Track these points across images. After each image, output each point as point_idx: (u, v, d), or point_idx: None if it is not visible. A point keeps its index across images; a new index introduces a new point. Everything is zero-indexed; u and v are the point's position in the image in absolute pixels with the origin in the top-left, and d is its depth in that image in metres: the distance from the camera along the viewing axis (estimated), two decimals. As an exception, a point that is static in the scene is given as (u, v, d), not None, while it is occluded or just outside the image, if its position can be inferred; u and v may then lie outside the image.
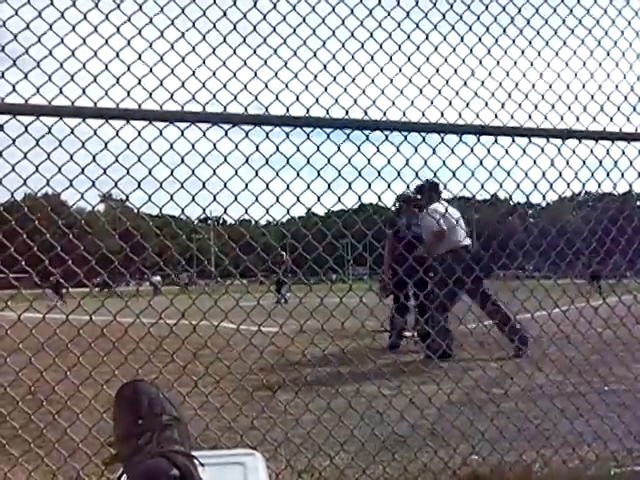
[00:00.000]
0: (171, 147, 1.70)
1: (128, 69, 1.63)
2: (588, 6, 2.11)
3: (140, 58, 1.63)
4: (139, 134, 1.67)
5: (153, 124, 1.67)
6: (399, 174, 1.89)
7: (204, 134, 1.72)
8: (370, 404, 1.85)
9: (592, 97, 2.09)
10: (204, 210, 1.71)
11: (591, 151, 2.07)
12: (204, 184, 1.70)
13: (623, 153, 2.11)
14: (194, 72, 1.68)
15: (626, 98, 2.14)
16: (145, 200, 1.68)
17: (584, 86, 2.08)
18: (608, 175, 2.12)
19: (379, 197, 1.94)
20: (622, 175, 2.15)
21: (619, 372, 2.17)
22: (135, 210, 1.66)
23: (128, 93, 1.62)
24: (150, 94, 1.63)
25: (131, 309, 1.62)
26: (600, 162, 2.09)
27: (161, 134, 1.68)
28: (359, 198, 1.86)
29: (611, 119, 2.09)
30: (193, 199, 1.70)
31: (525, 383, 2.18)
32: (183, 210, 1.71)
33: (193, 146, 1.71)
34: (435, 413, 1.93)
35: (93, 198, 1.69)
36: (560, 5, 2.07)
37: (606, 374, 2.16)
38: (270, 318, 1.69)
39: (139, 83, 1.62)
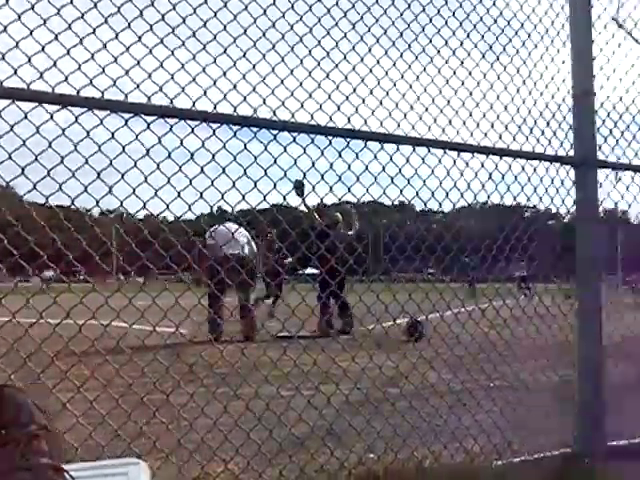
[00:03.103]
0: (63, 133, 1.51)
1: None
2: (483, 31, 2.21)
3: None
4: (25, 116, 1.47)
5: (43, 106, 1.48)
6: (304, 175, 1.84)
7: (101, 122, 1.55)
8: (268, 406, 1.76)
9: (484, 115, 2.19)
10: (97, 202, 1.54)
11: (482, 165, 2.16)
12: (99, 174, 1.53)
13: (509, 168, 2.23)
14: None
15: (513, 119, 2.26)
16: (30, 188, 1.48)
17: (477, 105, 2.17)
18: (497, 188, 2.22)
19: (284, 197, 1.87)
20: (508, 188, 2.27)
21: (502, 369, 2.26)
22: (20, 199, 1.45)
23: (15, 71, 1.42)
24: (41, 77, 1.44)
25: (6, 307, 1.40)
26: (490, 175, 2.19)
27: (52, 118, 1.49)
28: (264, 197, 1.78)
29: (500, 136, 2.20)
30: (86, 189, 1.52)
31: (419, 382, 2.20)
32: (73, 201, 1.52)
33: (88, 133, 1.53)
34: (333, 413, 1.88)
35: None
36: (459, 29, 2.15)
37: (491, 371, 2.25)
38: (166, 318, 1.55)
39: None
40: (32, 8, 1.44)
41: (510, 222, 2.31)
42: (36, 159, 1.49)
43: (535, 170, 2.29)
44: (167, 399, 1.60)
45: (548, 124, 2.33)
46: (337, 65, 1.90)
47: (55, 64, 1.48)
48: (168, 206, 1.64)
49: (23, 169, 1.46)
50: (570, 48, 2.34)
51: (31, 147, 1.48)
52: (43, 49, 1.47)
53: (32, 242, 1.47)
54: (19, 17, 1.43)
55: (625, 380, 2.64)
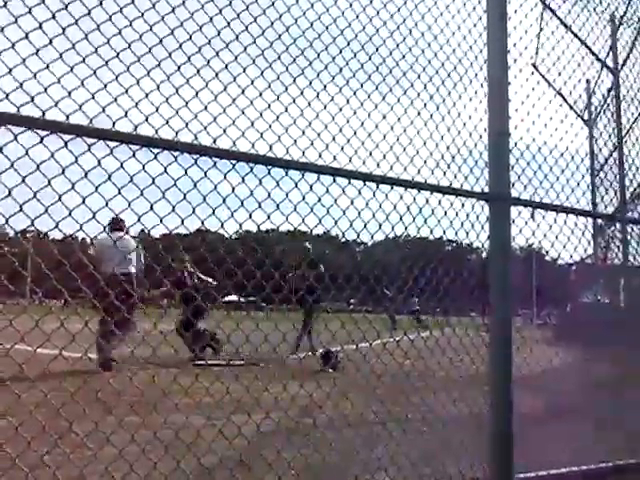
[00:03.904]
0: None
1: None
2: (405, 69, 2.63)
3: None
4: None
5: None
6: (224, 201, 2.12)
7: (15, 137, 1.75)
8: (177, 435, 1.98)
9: (404, 149, 2.59)
10: (7, 221, 1.73)
11: (401, 197, 2.55)
12: (10, 192, 1.73)
13: (427, 202, 2.63)
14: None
15: (432, 154, 2.68)
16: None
17: (398, 139, 2.57)
18: (414, 220, 2.62)
19: (202, 222, 2.13)
20: (425, 221, 2.67)
21: (415, 400, 2.62)
22: None
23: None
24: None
25: None
26: (408, 208, 2.58)
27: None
28: (182, 222, 2.04)
29: (419, 171, 2.60)
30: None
31: (332, 412, 2.51)
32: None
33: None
34: (244, 444, 2.13)
35: None
36: (382, 65, 2.55)
37: (404, 403, 2.60)
38: (75, 342, 1.75)
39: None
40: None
41: (428, 256, 2.71)
42: None
43: (452, 205, 2.71)
44: (70, 427, 1.78)
45: (465, 161, 2.78)
46: (261, 94, 2.22)
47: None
48: (82, 227, 1.86)
49: None
50: (487, 89, 2.82)
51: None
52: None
53: None
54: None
55: (534, 413, 3.10)
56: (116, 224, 5.71)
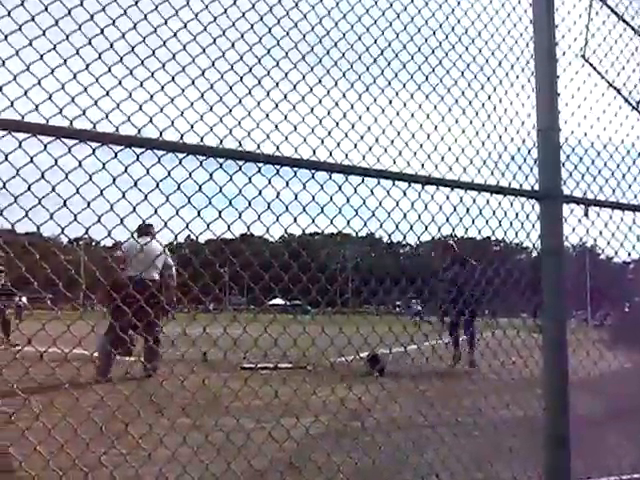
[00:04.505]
0: (31, 160, 1.78)
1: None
2: (448, 67, 2.59)
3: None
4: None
5: (12, 134, 1.75)
6: (269, 206, 2.14)
7: (69, 150, 1.82)
8: (228, 438, 2.02)
9: (449, 149, 2.55)
10: (63, 230, 1.80)
11: (447, 198, 2.51)
12: (65, 202, 1.80)
13: (474, 201, 2.58)
14: (63, 86, 1.79)
15: (478, 152, 2.63)
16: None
17: (442, 138, 2.54)
18: (461, 221, 2.57)
19: (248, 227, 2.16)
20: (472, 222, 2.62)
21: (467, 404, 2.57)
22: None
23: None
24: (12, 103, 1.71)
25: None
26: (454, 208, 2.54)
27: (20, 146, 1.76)
28: (228, 227, 2.07)
29: (464, 170, 2.56)
30: (52, 216, 1.78)
31: (381, 415, 2.49)
32: (38, 228, 1.78)
33: (56, 161, 1.80)
34: (294, 446, 2.15)
35: None
36: (424, 63, 2.52)
37: (455, 406, 2.56)
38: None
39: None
40: None
41: (476, 257, 2.66)
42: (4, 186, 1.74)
43: (500, 204, 2.65)
44: (126, 428, 1.84)
45: (513, 158, 2.71)
46: (303, 98, 2.23)
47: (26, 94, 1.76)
48: (132, 235, 1.92)
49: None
50: (535, 84, 2.74)
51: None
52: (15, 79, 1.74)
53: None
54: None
55: (593, 416, 2.99)
56: (144, 229, 5.52)
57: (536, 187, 2.69)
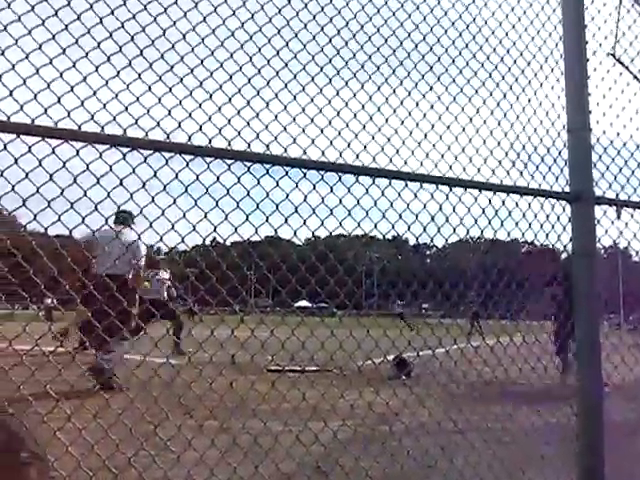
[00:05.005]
0: (64, 165, 1.80)
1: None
2: (476, 68, 2.56)
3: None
4: (29, 150, 1.76)
5: (46, 141, 1.78)
6: (296, 210, 2.13)
7: (100, 155, 1.85)
8: (256, 441, 2.01)
9: (477, 151, 2.51)
10: (94, 233, 1.83)
11: (475, 200, 2.47)
12: (96, 207, 1.82)
13: (503, 203, 2.54)
14: (95, 92, 1.82)
15: (507, 154, 2.58)
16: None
17: (470, 140, 2.50)
18: (490, 223, 2.53)
19: (275, 230, 2.16)
20: (501, 224, 2.57)
21: (495, 410, 2.52)
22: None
23: (21, 107, 1.72)
24: (46, 110, 1.74)
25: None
26: (483, 210, 2.50)
27: (53, 152, 1.78)
28: (256, 230, 2.08)
29: (493, 172, 2.51)
30: (83, 220, 1.81)
31: (409, 420, 2.46)
32: (71, 232, 1.81)
33: (87, 166, 1.83)
34: (321, 450, 2.13)
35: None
36: (451, 65, 2.49)
37: (484, 412, 2.51)
38: (157, 348, 1.82)
39: (35, 98, 1.73)
40: None
41: (505, 258, 2.61)
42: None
43: (530, 206, 2.60)
44: (155, 430, 1.85)
45: (543, 159, 2.66)
46: (330, 101, 2.22)
47: (59, 100, 1.79)
48: (162, 238, 1.93)
49: (25, 200, 1.75)
50: (565, 84, 2.69)
51: (33, 179, 1.77)
52: (49, 86, 1.77)
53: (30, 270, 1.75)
54: None
55: (629, 423, 2.90)
56: (122, 217, 4.92)
57: (567, 188, 2.63)
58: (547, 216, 2.63)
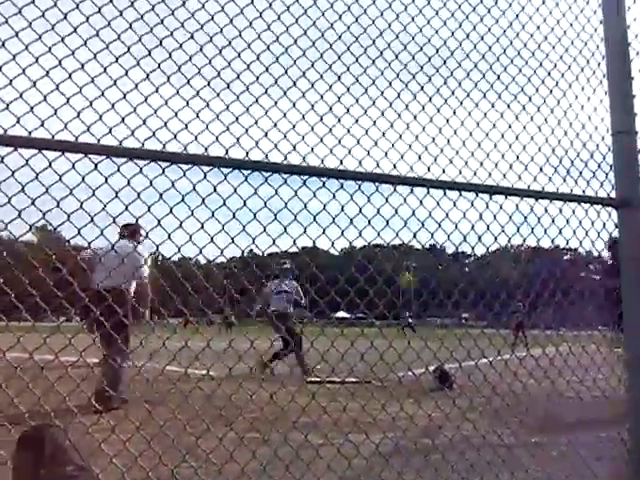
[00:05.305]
0: (105, 181, 1.84)
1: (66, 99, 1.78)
2: (514, 74, 2.50)
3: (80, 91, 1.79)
4: (73, 167, 1.80)
5: (89, 157, 1.82)
6: (334, 220, 2.12)
7: (141, 170, 1.88)
8: (297, 454, 1.99)
9: (517, 157, 2.45)
10: (135, 247, 1.86)
11: (516, 207, 2.41)
12: (137, 220, 1.85)
13: (546, 211, 2.47)
14: (135, 109, 1.86)
15: (548, 160, 2.52)
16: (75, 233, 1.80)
17: (510, 146, 2.44)
18: (533, 231, 2.46)
19: (314, 242, 2.15)
20: (545, 231, 2.50)
21: (543, 424, 2.43)
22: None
23: (65, 125, 1.76)
24: (88, 128, 1.78)
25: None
26: (525, 218, 2.43)
27: (96, 168, 1.82)
28: (294, 242, 2.08)
29: (535, 178, 2.45)
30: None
31: (452, 433, 2.39)
32: (113, 246, 1.85)
33: (129, 182, 1.86)
34: (363, 464, 2.09)
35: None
36: (489, 71, 2.45)
37: (531, 426, 2.43)
38: (197, 360, 1.83)
39: (78, 116, 1.77)
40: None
41: (549, 266, 2.53)
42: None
43: (574, 212, 2.52)
44: (197, 442, 1.85)
45: (586, 165, 2.57)
46: (366, 111, 2.21)
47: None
48: (201, 250, 1.95)
49: (69, 215, 1.79)
50: (608, 86, 2.61)
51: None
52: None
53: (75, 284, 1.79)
54: None
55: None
56: (126, 230, 4.62)
57: (613, 194, 2.54)
58: (592, 223, 2.54)
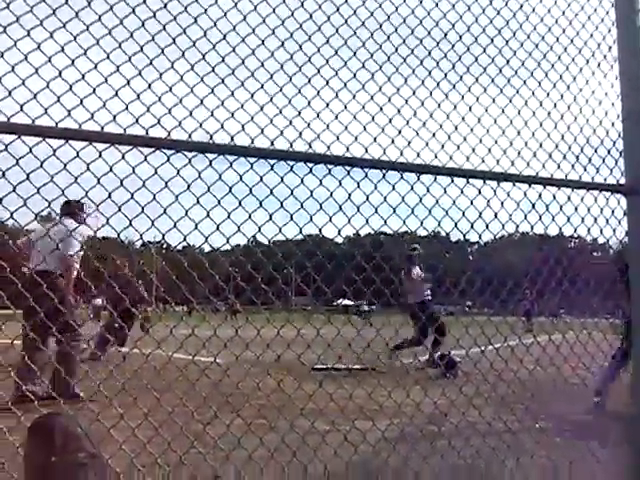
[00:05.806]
0: (110, 170, 1.83)
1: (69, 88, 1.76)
2: (523, 58, 2.46)
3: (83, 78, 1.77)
4: (77, 155, 1.79)
5: (93, 145, 1.80)
6: (341, 208, 2.10)
7: (145, 158, 1.86)
8: (304, 440, 2.00)
9: (526, 144, 2.42)
10: (141, 236, 1.85)
11: (524, 194, 2.38)
12: (143, 208, 1.84)
13: (554, 198, 2.44)
14: (138, 96, 1.84)
15: (557, 146, 2.48)
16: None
17: (519, 133, 2.40)
18: (540, 218, 2.43)
19: (320, 230, 2.14)
20: (552, 218, 2.47)
21: (548, 410, 2.43)
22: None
23: (69, 112, 1.75)
24: (92, 115, 1.76)
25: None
26: (533, 205, 2.40)
27: (100, 156, 1.81)
28: (300, 230, 2.06)
29: (543, 165, 2.42)
30: (130, 223, 1.83)
31: (458, 420, 2.40)
32: (119, 234, 1.84)
33: (133, 170, 1.85)
34: (369, 450, 2.10)
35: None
36: (498, 55, 2.41)
37: (536, 412, 2.43)
38: (204, 348, 1.83)
39: (81, 103, 1.75)
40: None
41: (556, 254, 2.51)
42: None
43: (582, 199, 2.48)
44: (204, 429, 1.86)
45: (596, 151, 2.53)
46: (372, 97, 2.18)
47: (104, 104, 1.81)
48: (207, 239, 1.94)
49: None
50: (619, 72, 2.55)
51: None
52: (94, 91, 1.80)
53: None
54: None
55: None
56: (69, 209, 4.52)
57: (622, 181, 2.50)
58: (601, 209, 2.51)
